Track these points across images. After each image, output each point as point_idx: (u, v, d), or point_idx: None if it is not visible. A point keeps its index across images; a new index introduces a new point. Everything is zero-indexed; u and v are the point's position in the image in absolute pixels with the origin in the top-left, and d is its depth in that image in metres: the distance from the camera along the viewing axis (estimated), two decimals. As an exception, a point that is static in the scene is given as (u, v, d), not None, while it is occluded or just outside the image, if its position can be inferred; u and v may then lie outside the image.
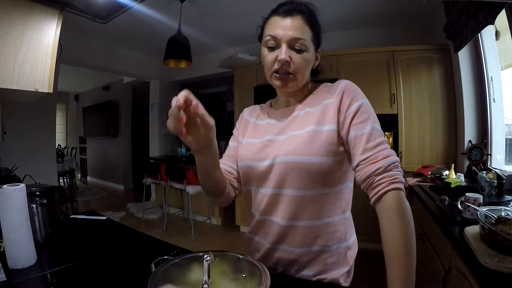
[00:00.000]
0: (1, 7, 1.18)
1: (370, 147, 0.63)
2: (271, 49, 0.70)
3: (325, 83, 0.78)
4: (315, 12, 0.72)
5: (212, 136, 0.61)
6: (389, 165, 0.61)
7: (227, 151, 0.87)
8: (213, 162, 0.67)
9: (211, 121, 0.58)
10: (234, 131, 0.89)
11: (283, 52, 0.67)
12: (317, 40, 0.73)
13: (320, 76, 0.81)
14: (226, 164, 0.84)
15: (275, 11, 0.70)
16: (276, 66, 0.69)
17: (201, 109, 0.55)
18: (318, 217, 0.70)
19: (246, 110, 0.91)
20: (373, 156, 0.62)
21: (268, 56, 0.70)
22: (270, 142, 0.75)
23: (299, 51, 0.68)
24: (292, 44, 0.68)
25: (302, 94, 0.78)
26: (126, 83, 5.52)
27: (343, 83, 0.72)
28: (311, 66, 0.74)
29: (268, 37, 0.69)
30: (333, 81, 0.77)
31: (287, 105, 0.79)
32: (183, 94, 0.52)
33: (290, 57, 0.67)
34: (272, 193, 0.71)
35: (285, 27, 0.67)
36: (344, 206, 0.74)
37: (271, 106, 0.85)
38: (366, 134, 0.64)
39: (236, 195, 0.84)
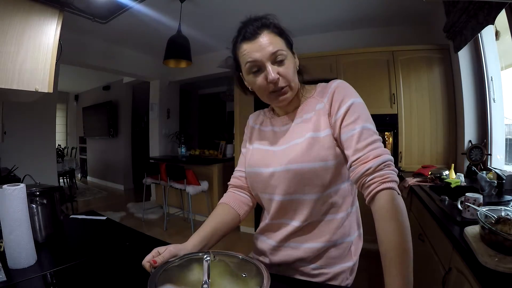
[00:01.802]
0: (1, 7, 1.18)
1: (361, 148, 0.64)
2: (256, 73, 0.70)
3: (319, 84, 0.78)
4: (274, 20, 0.72)
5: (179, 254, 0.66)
6: (380, 164, 0.61)
7: (240, 157, 0.90)
8: (203, 248, 0.72)
9: (167, 256, 0.63)
10: (244, 137, 0.92)
11: (271, 72, 0.67)
12: (289, 44, 0.73)
13: (304, 73, 0.80)
14: (240, 170, 0.88)
15: (242, 38, 0.70)
16: (270, 88, 0.69)
17: (158, 261, 0.62)
18: (323, 215, 0.72)
19: (251, 117, 0.93)
20: (363, 157, 0.63)
21: (258, 81, 0.70)
22: (273, 150, 0.77)
23: (282, 62, 0.69)
24: (274, 59, 0.68)
25: (297, 100, 0.78)
26: (126, 83, 5.51)
27: (333, 85, 0.73)
28: (296, 68, 0.74)
29: (248, 64, 0.69)
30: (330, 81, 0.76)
31: (286, 112, 0.80)
32: (147, 264, 0.61)
33: (278, 73, 0.68)
34: (280, 200, 0.73)
35: (259, 47, 0.67)
36: (349, 202, 0.75)
37: (273, 111, 0.86)
38: (356, 134, 0.65)
39: (254, 203, 0.87)
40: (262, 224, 0.82)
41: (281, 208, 0.74)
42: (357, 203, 0.79)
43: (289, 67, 0.70)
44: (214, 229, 0.76)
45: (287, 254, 0.76)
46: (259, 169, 0.76)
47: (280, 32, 0.71)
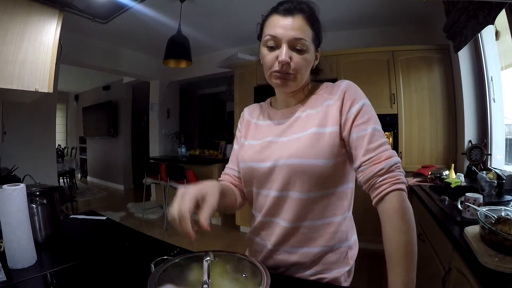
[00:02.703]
0: (1, 7, 1.18)
1: (372, 148, 0.63)
2: (271, 48, 0.68)
3: (325, 83, 0.77)
4: (315, 11, 0.71)
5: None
6: (391, 166, 0.61)
7: (232, 155, 0.87)
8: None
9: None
10: (237, 133, 0.88)
11: (283, 53, 0.65)
12: (317, 40, 0.71)
13: (320, 76, 0.80)
14: (232, 169, 0.85)
15: (275, 10, 0.68)
16: (276, 67, 0.68)
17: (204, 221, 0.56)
18: (320, 218, 0.70)
19: (246, 110, 0.90)
20: (375, 157, 0.62)
21: (268, 56, 0.68)
22: (271, 143, 0.74)
23: (300, 51, 0.67)
24: (293, 45, 0.66)
25: (302, 95, 0.77)
26: (126, 83, 5.51)
27: (344, 84, 0.71)
28: (311, 66, 0.73)
29: (268, 37, 0.67)
30: (333, 81, 0.76)
31: (287, 105, 0.78)
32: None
33: (290, 58, 0.66)
34: (275, 196, 0.71)
35: (285, 26, 0.65)
36: (346, 207, 0.74)
37: (271, 105, 0.84)
38: (368, 135, 0.64)
39: (243, 203, 0.84)
40: (253, 224, 0.78)
41: (276, 204, 0.71)
42: (351, 210, 0.78)
43: (305, 60, 0.68)
44: (225, 189, 0.74)
45: (282, 258, 0.74)
46: (257, 164, 0.73)
47: (313, 23, 0.68)
